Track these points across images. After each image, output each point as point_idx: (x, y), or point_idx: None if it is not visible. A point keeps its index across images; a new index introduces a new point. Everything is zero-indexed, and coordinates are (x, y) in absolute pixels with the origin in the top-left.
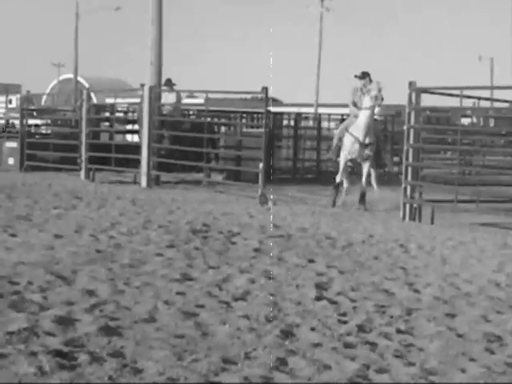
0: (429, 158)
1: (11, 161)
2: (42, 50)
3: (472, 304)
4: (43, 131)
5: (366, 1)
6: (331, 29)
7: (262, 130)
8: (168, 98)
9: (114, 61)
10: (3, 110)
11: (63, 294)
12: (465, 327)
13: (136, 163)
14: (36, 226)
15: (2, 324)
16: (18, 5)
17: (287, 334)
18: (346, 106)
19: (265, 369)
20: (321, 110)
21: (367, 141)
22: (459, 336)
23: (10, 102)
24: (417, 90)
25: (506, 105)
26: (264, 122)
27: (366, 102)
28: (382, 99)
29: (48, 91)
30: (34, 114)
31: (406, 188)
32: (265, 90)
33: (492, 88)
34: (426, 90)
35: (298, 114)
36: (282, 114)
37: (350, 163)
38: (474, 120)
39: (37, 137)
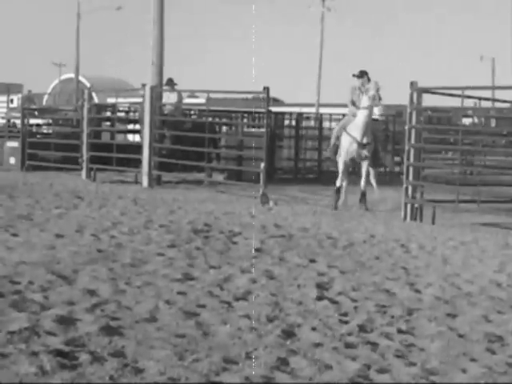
0: (430, 158)
1: (12, 160)
2: (44, 50)
3: (473, 304)
4: (44, 131)
5: (367, 1)
6: (332, 29)
7: (264, 129)
8: (169, 97)
9: (115, 60)
10: (5, 110)
11: (64, 293)
12: (466, 327)
13: (137, 163)
14: (37, 226)
15: (3, 323)
16: (19, 5)
17: (288, 333)
18: (347, 105)
19: (266, 369)
20: (322, 110)
21: (365, 141)
22: (460, 336)
23: (12, 101)
24: (418, 90)
25: (507, 105)
26: (265, 121)
27: (364, 101)
28: (380, 99)
29: (49, 91)
30: (36, 113)
31: (407, 188)
32: (266, 89)
33: (493, 88)
34: (427, 90)
35: (300, 114)
36: (283, 113)
37: (349, 162)
38: (476, 120)
39: (38, 136)
